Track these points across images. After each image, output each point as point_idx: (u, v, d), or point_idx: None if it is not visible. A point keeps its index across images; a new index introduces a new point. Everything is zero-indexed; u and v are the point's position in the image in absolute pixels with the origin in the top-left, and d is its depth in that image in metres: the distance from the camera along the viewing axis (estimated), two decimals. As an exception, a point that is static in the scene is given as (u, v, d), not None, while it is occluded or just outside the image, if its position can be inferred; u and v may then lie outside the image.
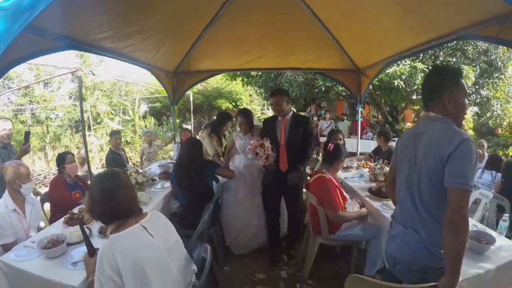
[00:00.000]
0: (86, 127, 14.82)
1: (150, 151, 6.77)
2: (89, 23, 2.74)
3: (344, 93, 11.15)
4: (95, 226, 2.59)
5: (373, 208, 3.26)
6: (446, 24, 2.99)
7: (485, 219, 3.89)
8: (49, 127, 16.08)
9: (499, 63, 10.28)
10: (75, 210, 2.92)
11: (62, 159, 3.66)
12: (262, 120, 4.21)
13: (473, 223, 2.71)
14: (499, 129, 12.84)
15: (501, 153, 10.31)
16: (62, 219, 2.82)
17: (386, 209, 3.09)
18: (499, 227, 2.77)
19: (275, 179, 3.72)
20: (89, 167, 4.40)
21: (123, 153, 5.84)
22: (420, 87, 8.58)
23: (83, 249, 2.18)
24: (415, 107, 14.73)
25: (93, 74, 5.55)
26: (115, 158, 5.45)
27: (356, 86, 5.77)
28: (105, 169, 4.34)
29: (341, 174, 4.34)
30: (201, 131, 5.11)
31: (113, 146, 5.67)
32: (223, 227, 4.11)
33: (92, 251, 1.83)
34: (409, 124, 13.97)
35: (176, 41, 4.43)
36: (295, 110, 12.13)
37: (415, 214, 1.82)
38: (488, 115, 12.48)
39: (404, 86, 8.62)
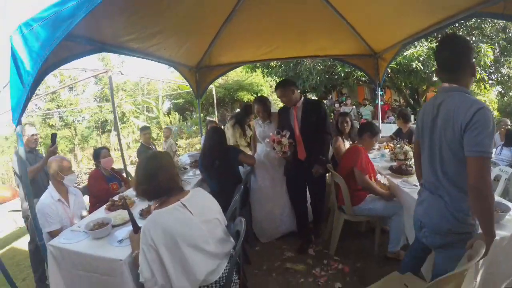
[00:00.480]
0: (113, 126, 15.40)
1: (165, 146, 7.09)
2: (116, 26, 2.97)
3: (364, 78, 11.16)
4: (136, 209, 2.87)
5: (394, 185, 3.39)
6: (453, 4, 3.09)
7: (509, 194, 3.95)
8: (77, 129, 16.75)
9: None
10: (116, 198, 3.19)
11: (98, 154, 3.95)
12: (278, 110, 4.15)
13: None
14: None
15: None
16: (103, 206, 3.10)
17: (406, 185, 3.21)
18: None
19: (296, 169, 3.78)
20: (123, 161, 4.70)
21: (154, 147, 6.15)
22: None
23: (126, 229, 2.45)
24: (436, 90, 14.56)
25: (122, 74, 5.86)
26: (146, 152, 5.68)
27: (374, 70, 5.85)
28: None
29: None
30: (227, 122, 5.33)
31: (144, 141, 5.98)
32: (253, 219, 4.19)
33: (136, 228, 2.08)
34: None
35: (197, 37, 4.63)
36: (312, 97, 12.25)
37: (439, 183, 1.91)
38: (511, 94, 12.20)
39: (422, 68, 8.56)
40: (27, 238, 3.97)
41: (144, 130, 6.14)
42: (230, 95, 17.71)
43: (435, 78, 9.73)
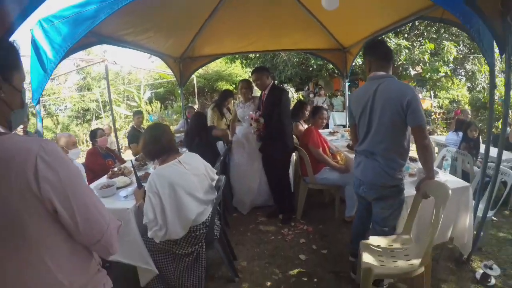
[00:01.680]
0: (94, 115, 15.66)
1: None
2: (118, 23, 3.47)
3: (337, 71, 11.87)
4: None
5: (349, 159, 4.05)
6: (403, 9, 3.72)
7: (456, 170, 4.62)
8: (58, 117, 16.87)
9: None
10: (115, 169, 3.72)
11: (94, 134, 4.45)
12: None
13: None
14: None
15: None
16: (105, 176, 3.62)
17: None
18: (443, 165, 3.56)
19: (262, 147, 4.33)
20: (117, 141, 5.19)
21: (143, 130, 6.61)
22: (405, 62, 9.32)
23: (128, 189, 3.02)
24: (411, 84, 15.38)
25: (115, 64, 6.28)
26: (137, 135, 6.01)
27: (342, 63, 6.51)
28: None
29: (327, 137, 5.17)
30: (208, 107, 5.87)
31: (135, 124, 6.34)
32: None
33: (140, 185, 2.67)
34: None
35: (182, 31, 5.15)
36: (288, 87, 12.75)
37: (374, 149, 2.50)
38: (477, 89, 13.05)
39: (389, 62, 9.21)
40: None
41: (138, 114, 6.51)
42: (210, 85, 18.11)
43: (411, 72, 10.55)
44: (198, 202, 2.52)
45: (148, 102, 15.22)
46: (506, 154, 4.88)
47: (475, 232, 3.06)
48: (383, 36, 8.63)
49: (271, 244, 3.72)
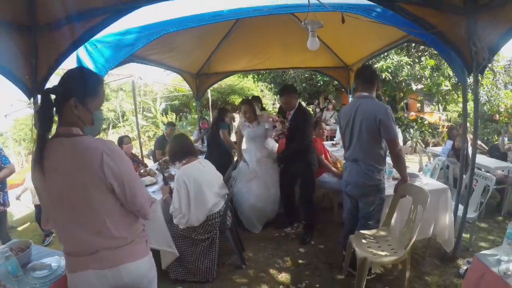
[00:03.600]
0: (111, 125, 16.33)
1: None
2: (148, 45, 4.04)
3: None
4: (159, 177, 3.99)
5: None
6: (392, 35, 4.24)
7: (448, 179, 5.01)
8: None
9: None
10: (142, 171, 4.28)
11: (121, 141, 5.02)
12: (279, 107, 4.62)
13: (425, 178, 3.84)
14: (497, 115, 13.64)
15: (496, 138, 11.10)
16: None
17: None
18: (424, 170, 4.06)
19: (283, 163, 4.34)
20: (141, 148, 5.76)
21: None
22: (406, 78, 9.78)
23: (154, 187, 3.60)
24: (419, 98, 15.80)
25: (141, 79, 6.90)
26: (163, 144, 6.29)
27: (346, 80, 7.02)
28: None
29: (330, 148, 5.67)
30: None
31: (167, 134, 6.73)
32: (243, 215, 4.47)
33: (166, 182, 3.25)
34: (413, 113, 15.01)
35: (200, 50, 5.78)
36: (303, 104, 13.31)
37: (357, 156, 3.02)
38: (482, 101, 13.34)
39: (391, 78, 9.76)
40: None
41: (171, 125, 6.97)
42: (223, 98, 18.71)
43: (413, 87, 10.98)
44: (214, 194, 3.11)
45: (163, 113, 15.84)
46: (497, 162, 5.32)
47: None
48: (386, 54, 9.22)
49: (275, 239, 4.23)
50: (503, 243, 2.04)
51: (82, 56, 3.22)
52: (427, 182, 3.56)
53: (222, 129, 5.01)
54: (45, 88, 1.62)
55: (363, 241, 3.01)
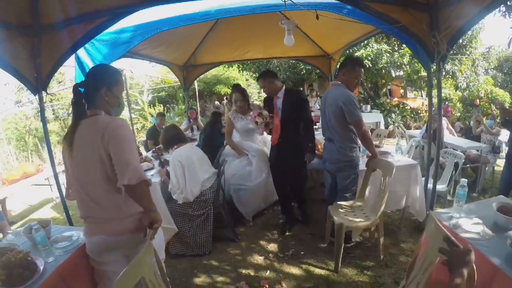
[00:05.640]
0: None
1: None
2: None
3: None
4: (156, 162, 4.30)
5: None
6: (365, 27, 4.56)
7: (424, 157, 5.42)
8: (66, 121, 17.59)
9: (462, 41, 11.79)
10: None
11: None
12: (263, 99, 4.20)
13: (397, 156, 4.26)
14: (478, 100, 14.08)
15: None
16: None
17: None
18: (395, 148, 4.55)
19: (275, 154, 3.98)
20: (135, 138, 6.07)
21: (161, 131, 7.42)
22: (386, 65, 10.19)
23: (152, 171, 3.92)
24: (402, 84, 16.29)
25: (132, 72, 7.13)
26: (155, 134, 6.77)
27: (327, 68, 7.32)
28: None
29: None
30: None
31: (157, 124, 7.09)
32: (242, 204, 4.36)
33: (162, 165, 3.59)
34: (396, 99, 15.46)
35: (187, 44, 6.04)
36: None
37: (332, 135, 3.41)
38: (462, 87, 13.90)
39: (371, 65, 10.19)
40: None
41: (160, 116, 7.37)
42: (209, 88, 18.85)
43: (393, 74, 11.41)
44: (204, 171, 3.56)
45: (150, 105, 15.99)
46: (470, 143, 5.77)
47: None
48: (366, 42, 9.58)
49: (264, 216, 4.65)
50: (453, 203, 2.41)
51: (80, 54, 3.46)
52: (399, 159, 3.96)
53: (222, 130, 5.05)
54: (74, 84, 1.97)
55: (340, 210, 3.41)
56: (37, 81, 3.04)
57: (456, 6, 2.73)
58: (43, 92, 3.13)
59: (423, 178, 3.89)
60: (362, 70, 3.40)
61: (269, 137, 4.26)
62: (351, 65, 3.36)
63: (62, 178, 2.75)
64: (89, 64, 3.51)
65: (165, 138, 3.58)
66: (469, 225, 2.13)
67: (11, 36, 2.68)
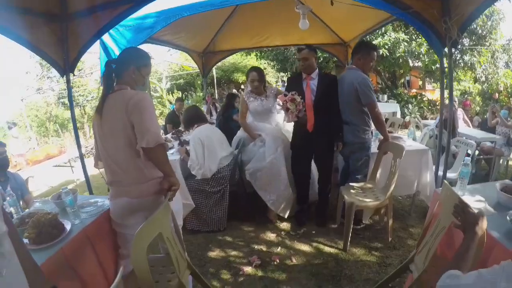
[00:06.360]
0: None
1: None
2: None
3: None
4: (175, 143, 4.44)
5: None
6: (381, 14, 4.60)
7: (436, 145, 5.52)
8: (85, 108, 18.10)
9: (482, 31, 11.58)
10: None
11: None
12: (287, 78, 3.98)
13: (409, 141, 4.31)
14: (497, 94, 13.94)
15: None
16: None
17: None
18: (407, 133, 4.56)
19: (302, 141, 3.71)
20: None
21: (180, 115, 7.61)
22: (403, 54, 10.12)
23: (172, 150, 4.09)
24: (420, 75, 16.10)
25: (153, 59, 7.36)
26: (174, 118, 7.10)
27: (344, 56, 7.34)
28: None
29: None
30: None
31: (176, 109, 7.38)
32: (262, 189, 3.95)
33: (182, 144, 3.79)
34: (414, 90, 15.33)
35: (206, 30, 6.17)
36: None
37: (347, 119, 3.53)
38: (481, 80, 13.70)
39: (389, 54, 10.13)
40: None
41: (179, 100, 7.70)
42: (227, 76, 19.11)
43: (410, 63, 11.32)
44: (223, 148, 3.77)
45: (169, 92, 16.25)
46: (484, 134, 5.79)
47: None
48: (384, 30, 9.51)
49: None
50: (457, 182, 2.51)
51: (105, 38, 3.64)
52: (410, 144, 4.05)
53: (235, 115, 5.01)
54: (106, 61, 2.20)
55: (352, 191, 3.53)
56: (65, 64, 3.26)
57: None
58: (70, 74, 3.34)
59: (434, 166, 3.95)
60: (375, 53, 3.54)
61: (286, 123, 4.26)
62: (366, 50, 3.49)
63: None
64: (114, 48, 3.69)
65: (187, 116, 3.79)
66: (472, 201, 2.22)
67: (41, 24, 2.91)
